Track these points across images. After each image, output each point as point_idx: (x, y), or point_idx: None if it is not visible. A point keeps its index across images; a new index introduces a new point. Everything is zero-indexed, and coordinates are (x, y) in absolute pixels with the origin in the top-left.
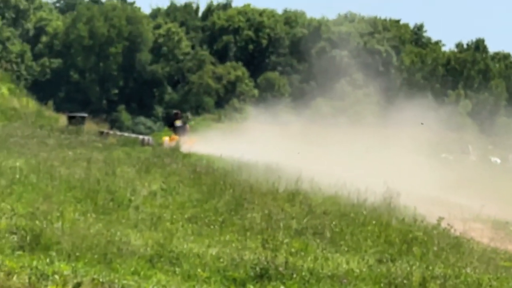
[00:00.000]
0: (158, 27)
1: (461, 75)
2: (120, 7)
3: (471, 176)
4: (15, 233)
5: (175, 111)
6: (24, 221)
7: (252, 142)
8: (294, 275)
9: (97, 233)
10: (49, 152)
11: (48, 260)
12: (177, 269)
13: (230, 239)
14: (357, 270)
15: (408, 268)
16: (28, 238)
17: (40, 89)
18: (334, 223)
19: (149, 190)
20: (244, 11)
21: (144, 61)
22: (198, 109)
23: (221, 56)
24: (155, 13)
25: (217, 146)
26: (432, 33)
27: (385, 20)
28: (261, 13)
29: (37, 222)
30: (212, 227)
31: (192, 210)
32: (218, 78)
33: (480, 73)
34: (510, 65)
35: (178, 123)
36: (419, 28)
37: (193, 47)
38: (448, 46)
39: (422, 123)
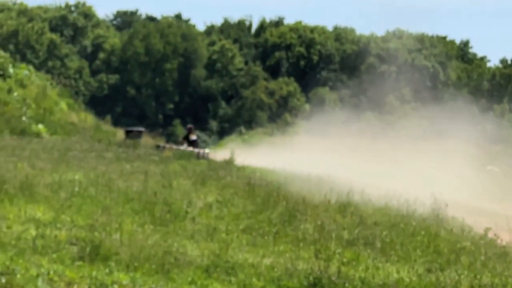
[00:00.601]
0: (212, 43)
1: (506, 90)
2: (176, 24)
3: None
4: (75, 244)
5: (189, 126)
6: (83, 232)
7: (303, 155)
8: (346, 284)
9: (155, 244)
10: (107, 166)
11: (107, 270)
12: (232, 278)
13: (283, 249)
14: (407, 279)
15: (457, 277)
16: (87, 249)
17: (98, 104)
18: (384, 233)
19: (204, 202)
20: (295, 28)
21: (199, 77)
22: (251, 123)
23: (274, 71)
24: (209, 30)
25: (270, 159)
26: (477, 49)
27: (432, 36)
28: (312, 30)
29: (96, 233)
30: (266, 237)
31: (247, 221)
32: (271, 93)
33: None
34: None
35: (192, 137)
36: (465, 44)
37: (246, 63)
38: (493, 61)
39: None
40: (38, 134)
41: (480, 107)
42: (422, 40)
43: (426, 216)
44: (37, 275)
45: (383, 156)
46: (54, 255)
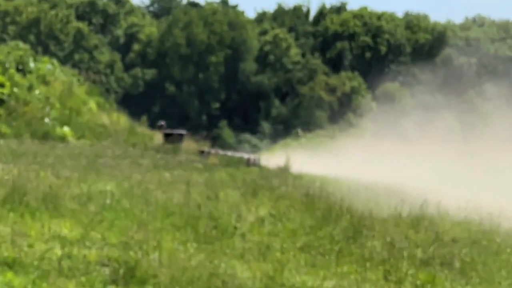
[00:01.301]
0: (264, 33)
1: None
2: (222, 11)
3: None
4: (107, 265)
5: (160, 122)
6: (116, 251)
7: (370, 161)
8: None
9: (199, 265)
10: (143, 174)
11: None
12: None
13: (348, 270)
14: None
15: None
16: (121, 270)
17: (132, 103)
18: (464, 251)
19: (256, 216)
20: (360, 15)
21: (249, 71)
22: (309, 125)
23: (335, 65)
24: (261, 18)
25: (331, 166)
26: None
27: None
28: (380, 16)
29: (131, 252)
30: (327, 257)
31: (305, 238)
32: (332, 90)
33: None
34: None
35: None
36: None
37: (303, 55)
38: None
39: None
40: (63, 138)
41: None
42: (506, 28)
43: None
44: None
45: (461, 163)
46: (83, 278)
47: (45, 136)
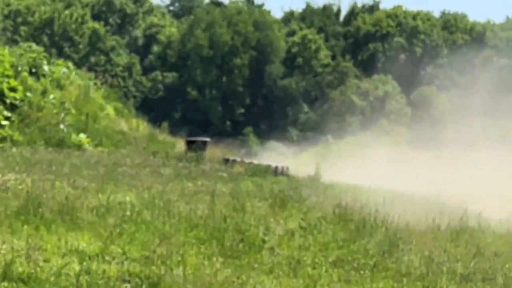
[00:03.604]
0: (291, 34)
1: None
2: (246, 10)
3: None
4: (128, 281)
5: None
6: (138, 266)
7: (406, 170)
8: None
9: (226, 280)
10: (165, 184)
11: None
12: None
13: (383, 286)
14: None
15: None
16: (143, 287)
17: (152, 109)
18: (507, 266)
19: (285, 229)
20: (394, 14)
21: (275, 75)
22: (340, 131)
23: (367, 67)
24: (288, 18)
25: (365, 175)
26: None
27: None
28: (415, 16)
29: (153, 267)
30: (361, 272)
31: (338, 252)
32: (364, 94)
33: None
34: None
35: None
36: None
37: (333, 57)
38: None
39: None
40: (79, 146)
41: None
42: None
43: None
44: None
45: (505, 173)
46: None
47: (60, 143)
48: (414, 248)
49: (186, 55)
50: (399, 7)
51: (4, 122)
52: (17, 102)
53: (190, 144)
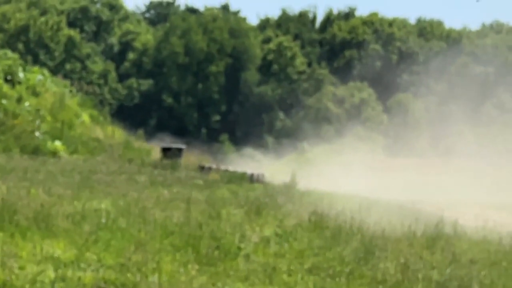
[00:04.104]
0: (267, 41)
1: None
2: (222, 17)
3: None
4: None
5: None
6: (113, 273)
7: (382, 177)
8: None
9: (201, 287)
10: (140, 191)
11: None
12: None
13: None
14: None
15: None
16: None
17: (128, 116)
18: (483, 273)
19: (261, 236)
20: (370, 21)
21: (251, 82)
22: (316, 139)
23: (343, 74)
24: (264, 25)
25: (341, 182)
26: None
27: None
28: (391, 23)
29: (129, 274)
30: (337, 279)
31: (313, 259)
32: (340, 101)
33: None
34: None
35: None
36: None
37: (309, 64)
38: None
39: None
40: (54, 153)
41: None
42: None
43: None
44: None
45: (481, 180)
46: None
47: (36, 151)
48: (389, 255)
49: (161, 62)
50: (375, 14)
51: None
52: None
53: (165, 151)
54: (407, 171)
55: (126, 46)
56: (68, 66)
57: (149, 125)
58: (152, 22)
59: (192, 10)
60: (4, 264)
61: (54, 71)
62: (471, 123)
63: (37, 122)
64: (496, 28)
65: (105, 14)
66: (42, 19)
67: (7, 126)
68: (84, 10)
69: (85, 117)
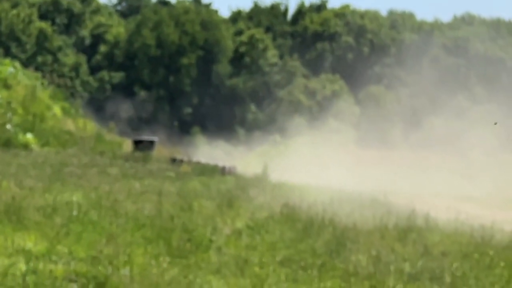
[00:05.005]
0: (239, 33)
1: None
2: (194, 10)
3: None
4: (75, 281)
5: None
6: (84, 266)
7: (354, 169)
8: None
9: (173, 280)
10: (112, 184)
11: None
12: None
13: (331, 285)
14: None
15: None
16: (90, 286)
17: (99, 109)
18: (454, 265)
19: (232, 228)
20: (342, 14)
21: (223, 74)
22: (288, 131)
23: (315, 67)
24: (236, 17)
25: (313, 174)
26: None
27: (510, 22)
28: (362, 15)
29: (100, 267)
30: (309, 271)
31: (285, 252)
32: (311, 94)
33: None
34: None
35: None
36: None
37: (281, 56)
38: None
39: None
40: (26, 146)
41: None
42: (497, 27)
43: (507, 244)
44: None
45: (452, 172)
46: None
47: (7, 143)
48: (361, 248)
49: (133, 55)
50: (347, 6)
51: None
52: None
53: (137, 144)
54: (379, 164)
55: (97, 38)
56: (39, 59)
57: (120, 118)
58: (124, 15)
59: (164, 3)
60: None
61: (25, 64)
62: (442, 115)
63: (9, 114)
64: (468, 20)
65: (77, 7)
66: (14, 11)
67: None
68: (55, 3)
69: (56, 109)
